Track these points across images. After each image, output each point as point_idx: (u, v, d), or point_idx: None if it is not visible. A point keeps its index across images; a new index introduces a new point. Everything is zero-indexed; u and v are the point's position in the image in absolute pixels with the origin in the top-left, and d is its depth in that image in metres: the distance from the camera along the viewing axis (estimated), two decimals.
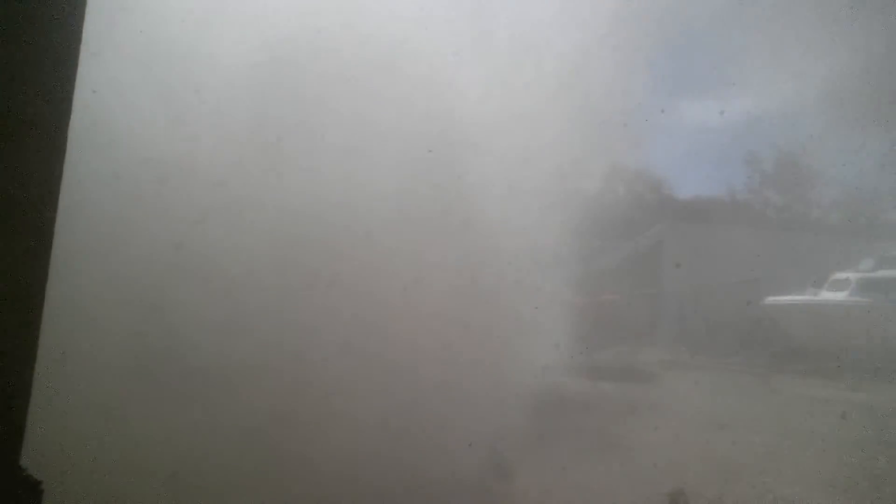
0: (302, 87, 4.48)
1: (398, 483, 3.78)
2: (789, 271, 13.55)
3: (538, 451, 5.05)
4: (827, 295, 12.43)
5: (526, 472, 4.50)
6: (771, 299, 12.60)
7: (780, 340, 12.30)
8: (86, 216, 2.42)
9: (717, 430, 6.05)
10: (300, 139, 4.39)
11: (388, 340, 4.32)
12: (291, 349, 3.92)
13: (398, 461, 3.89)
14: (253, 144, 4.22)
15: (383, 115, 4.77)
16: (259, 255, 3.99)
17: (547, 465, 4.69)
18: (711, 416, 6.64)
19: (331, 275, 4.20)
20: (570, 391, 8.10)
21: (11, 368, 0.78)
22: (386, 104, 4.79)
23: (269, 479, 3.36)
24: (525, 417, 6.16)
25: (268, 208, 4.11)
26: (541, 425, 5.97)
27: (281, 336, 3.92)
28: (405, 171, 4.77)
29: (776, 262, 14.23)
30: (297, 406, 3.70)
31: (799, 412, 7.22)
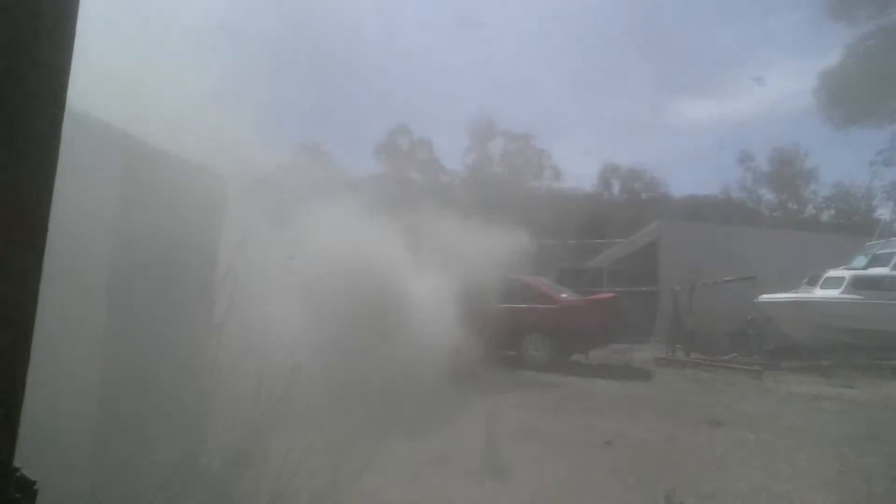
0: None
1: None
2: (783, 269, 13.66)
3: (533, 449, 5.08)
4: (821, 292, 12.51)
5: (518, 472, 4.51)
6: (765, 297, 12.66)
7: (774, 337, 12.37)
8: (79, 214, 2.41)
9: (711, 427, 6.09)
10: None
11: None
12: None
13: None
14: None
15: None
16: None
17: (538, 464, 4.70)
18: (706, 413, 6.69)
19: None
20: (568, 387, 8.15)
21: (4, 365, 0.78)
22: None
23: None
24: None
25: None
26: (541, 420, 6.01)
27: None
28: None
29: (770, 259, 14.35)
30: None
31: (793, 409, 7.27)
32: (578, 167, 72.27)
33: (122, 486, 2.57)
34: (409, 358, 6.85)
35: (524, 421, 6.10)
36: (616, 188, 42.04)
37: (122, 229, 2.90)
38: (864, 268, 12.60)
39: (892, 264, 12.02)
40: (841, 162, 64.95)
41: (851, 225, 29.24)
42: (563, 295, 10.71)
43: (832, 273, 12.68)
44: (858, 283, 11.97)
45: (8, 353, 0.77)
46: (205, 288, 3.77)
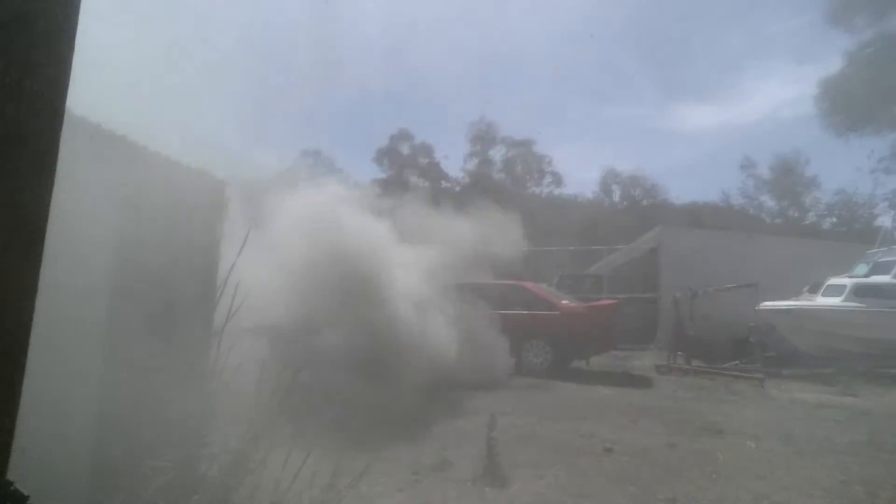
0: None
1: None
2: (785, 276, 13.62)
3: (533, 455, 5.05)
4: (822, 300, 12.46)
5: (518, 478, 4.48)
6: (767, 304, 12.62)
7: (776, 345, 12.32)
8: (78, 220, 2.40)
9: (712, 435, 6.05)
10: None
11: None
12: None
13: None
14: None
15: None
16: None
17: (538, 471, 4.67)
18: (707, 421, 6.65)
19: None
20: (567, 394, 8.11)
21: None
22: None
23: None
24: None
25: None
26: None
27: None
28: None
29: (772, 267, 14.31)
30: None
31: (795, 417, 7.23)
32: (579, 173, 72.52)
33: (120, 493, 2.54)
34: (410, 363, 6.84)
35: (524, 427, 6.07)
36: (617, 194, 42.09)
37: (122, 234, 2.89)
38: (866, 276, 12.56)
39: (893, 272, 11.98)
40: (842, 169, 65.13)
41: (853, 233, 29.21)
42: (564, 301, 10.68)
43: (834, 281, 12.63)
44: (860, 292, 11.93)
45: (3, 364, 0.75)
46: (205, 292, 3.76)
